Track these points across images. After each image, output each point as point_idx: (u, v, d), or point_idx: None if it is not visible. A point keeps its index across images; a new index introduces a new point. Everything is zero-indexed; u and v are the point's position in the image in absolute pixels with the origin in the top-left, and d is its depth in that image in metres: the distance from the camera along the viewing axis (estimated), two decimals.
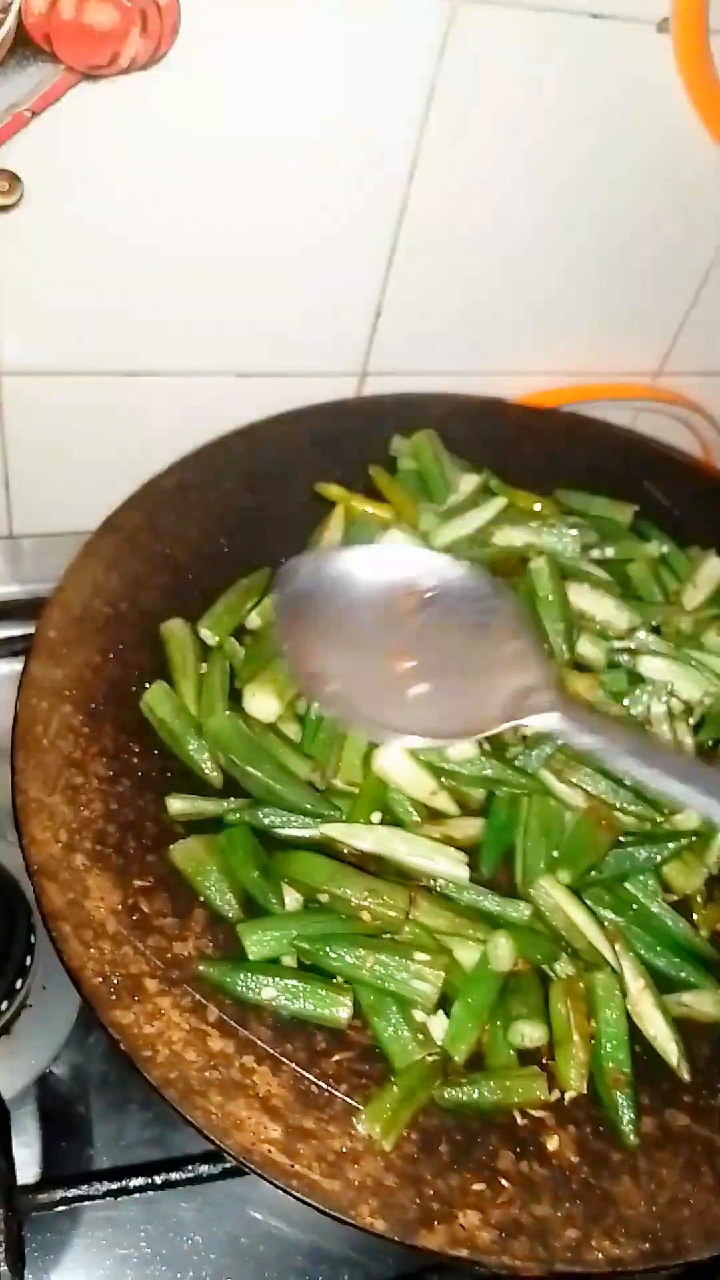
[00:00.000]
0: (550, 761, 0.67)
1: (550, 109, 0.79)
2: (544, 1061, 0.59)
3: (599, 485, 0.86)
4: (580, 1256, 0.53)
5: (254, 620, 0.75)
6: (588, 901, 0.64)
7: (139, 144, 0.72)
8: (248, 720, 0.68)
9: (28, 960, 0.72)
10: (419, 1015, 0.59)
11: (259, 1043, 0.57)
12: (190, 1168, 0.62)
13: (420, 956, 0.59)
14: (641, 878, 0.65)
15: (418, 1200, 0.53)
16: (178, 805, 0.64)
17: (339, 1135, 0.55)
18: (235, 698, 0.70)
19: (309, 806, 0.64)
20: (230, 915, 0.61)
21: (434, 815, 0.67)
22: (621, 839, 0.65)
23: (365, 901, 0.60)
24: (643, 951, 0.63)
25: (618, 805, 0.66)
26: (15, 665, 0.71)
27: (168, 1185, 0.62)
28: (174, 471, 0.82)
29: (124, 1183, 0.61)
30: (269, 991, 0.58)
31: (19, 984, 0.71)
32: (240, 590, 0.75)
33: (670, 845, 0.65)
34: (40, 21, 0.64)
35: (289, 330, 0.87)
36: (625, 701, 0.72)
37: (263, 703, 0.69)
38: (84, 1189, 0.61)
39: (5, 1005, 0.71)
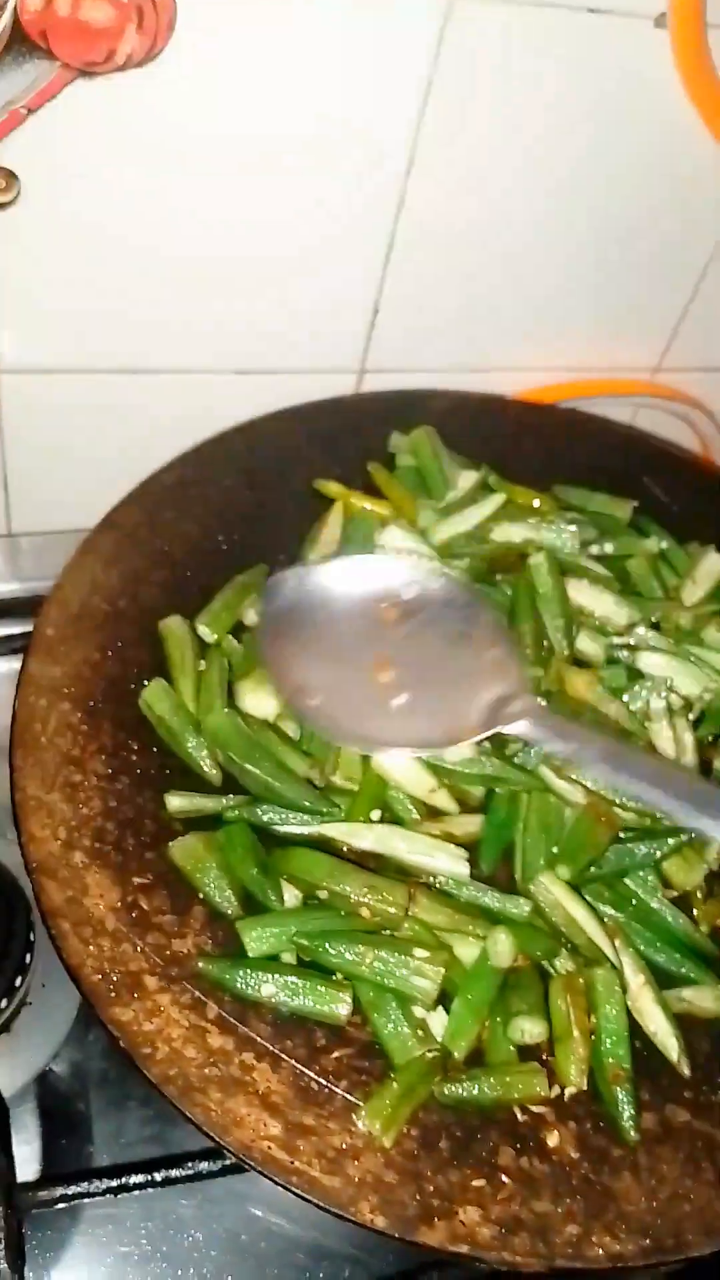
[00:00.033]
0: (549, 758, 0.67)
1: (548, 104, 0.79)
2: (544, 1057, 0.59)
3: (598, 481, 0.86)
4: (581, 1252, 0.53)
5: (251, 617, 0.74)
6: (587, 897, 0.64)
7: (136, 141, 0.72)
8: (246, 718, 0.68)
9: (27, 958, 0.72)
10: (419, 1011, 0.59)
11: (259, 1039, 0.57)
12: (190, 1165, 0.62)
13: (420, 953, 0.59)
14: (641, 873, 0.65)
15: (418, 1196, 0.53)
16: (176, 802, 0.64)
17: (339, 1132, 0.55)
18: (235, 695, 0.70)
19: (307, 804, 0.64)
20: (229, 912, 0.61)
21: (433, 813, 0.67)
22: (621, 835, 0.65)
23: (364, 898, 0.60)
24: (643, 947, 0.63)
25: (617, 801, 0.66)
26: (14, 663, 0.71)
27: (168, 1182, 0.62)
28: (173, 468, 0.82)
29: (124, 1180, 0.61)
30: (268, 988, 0.58)
31: (18, 982, 0.71)
32: (237, 587, 0.75)
33: (670, 841, 0.65)
34: (36, 18, 0.64)
35: (287, 327, 0.86)
36: (624, 697, 0.71)
37: (258, 700, 0.69)
38: (84, 1186, 0.61)
39: (5, 1003, 0.70)
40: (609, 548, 0.82)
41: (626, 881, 0.65)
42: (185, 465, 0.83)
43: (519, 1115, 0.57)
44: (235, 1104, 0.54)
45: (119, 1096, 0.72)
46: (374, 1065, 0.57)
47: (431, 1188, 0.54)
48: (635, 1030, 0.60)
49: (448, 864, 0.63)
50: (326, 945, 0.59)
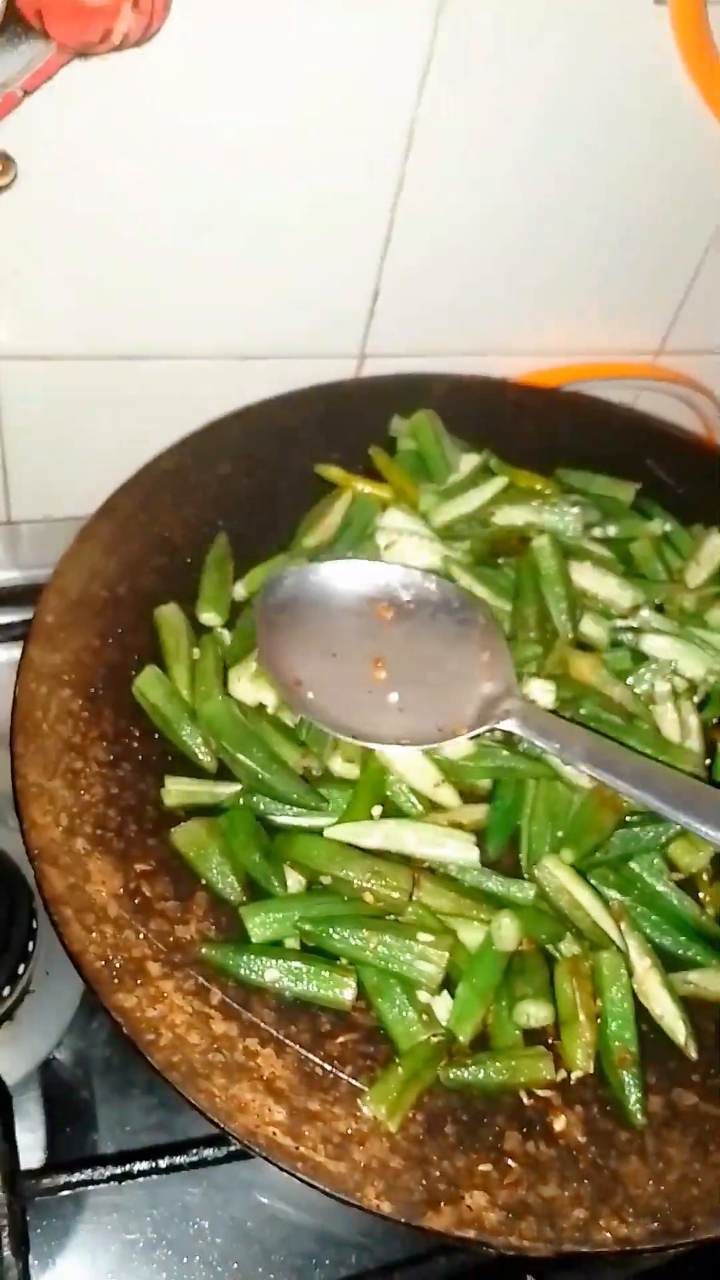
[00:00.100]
0: None
1: (548, 85, 0.78)
2: (550, 1041, 0.59)
3: (600, 464, 0.86)
4: (588, 1236, 0.53)
5: (239, 591, 0.75)
6: (593, 881, 0.63)
7: (133, 123, 0.71)
8: (242, 706, 0.67)
9: (29, 945, 0.72)
10: (423, 996, 0.59)
11: (263, 1025, 0.57)
12: (195, 1151, 0.62)
13: (424, 937, 0.59)
14: (647, 857, 0.65)
15: (424, 1182, 0.53)
16: (173, 799, 0.64)
17: (344, 1117, 0.54)
18: None
19: (295, 796, 0.64)
20: (232, 898, 0.61)
21: (435, 808, 0.66)
22: (627, 819, 0.65)
23: (368, 883, 0.60)
24: (649, 930, 0.63)
25: None
26: (14, 651, 0.71)
27: (172, 1169, 0.62)
28: (171, 454, 0.82)
29: (128, 1167, 0.61)
30: (272, 974, 0.58)
31: (21, 969, 0.71)
32: (214, 565, 0.75)
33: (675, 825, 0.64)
34: None
35: (286, 312, 0.86)
36: (629, 680, 0.71)
37: (250, 686, 0.68)
38: (88, 1174, 0.61)
39: (8, 991, 0.70)
40: (612, 530, 0.81)
41: (632, 865, 0.65)
42: (184, 451, 0.82)
43: (525, 1099, 0.57)
44: (240, 1090, 0.54)
45: (123, 1084, 0.72)
46: (379, 1050, 0.57)
47: (438, 1172, 0.54)
48: (641, 1014, 0.60)
49: (457, 851, 0.62)
50: (330, 930, 0.59)
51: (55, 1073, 0.72)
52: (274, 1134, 0.53)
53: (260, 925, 0.59)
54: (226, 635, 0.73)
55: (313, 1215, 0.68)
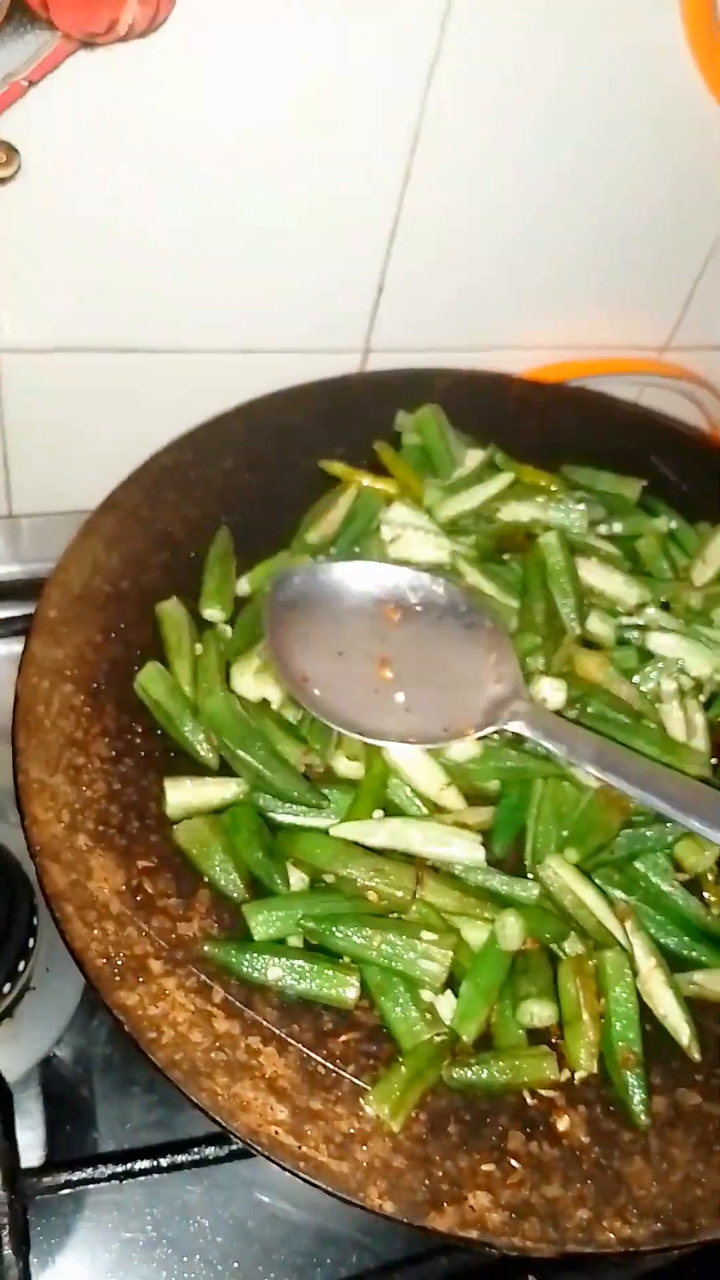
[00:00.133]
0: None
1: (555, 77, 0.78)
2: (553, 1041, 0.59)
3: (605, 460, 0.85)
4: (592, 1237, 0.52)
5: (243, 586, 0.74)
6: (597, 880, 0.63)
7: (138, 115, 0.71)
8: (244, 702, 0.67)
9: (30, 942, 0.72)
10: (427, 995, 0.58)
11: (265, 1023, 0.56)
12: (196, 1150, 0.61)
13: (428, 936, 0.58)
14: (653, 856, 0.65)
15: (427, 1181, 0.53)
16: (175, 812, 0.63)
17: (347, 1116, 0.54)
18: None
19: (296, 795, 0.64)
20: (235, 895, 0.60)
21: (440, 811, 0.66)
22: (633, 819, 0.65)
23: (371, 882, 0.60)
24: (653, 930, 0.63)
25: None
26: (16, 645, 0.70)
27: (173, 1168, 0.61)
28: (175, 449, 0.81)
29: (129, 1166, 0.61)
30: (275, 972, 0.57)
31: (21, 966, 0.71)
32: (216, 560, 0.75)
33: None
34: None
35: (291, 306, 0.85)
36: (635, 679, 0.71)
37: (252, 682, 0.68)
38: (89, 1172, 0.61)
39: (8, 988, 0.70)
40: (618, 527, 0.81)
41: (637, 865, 0.65)
42: (187, 446, 0.82)
43: (529, 1099, 0.57)
44: (242, 1088, 0.54)
45: (124, 1081, 0.71)
46: (382, 1049, 0.57)
47: (440, 1172, 0.53)
48: (646, 1014, 0.59)
49: (463, 850, 0.62)
50: (333, 929, 0.58)
51: (56, 1070, 0.72)
52: (276, 1133, 0.53)
53: (263, 923, 0.59)
54: (229, 631, 0.72)
55: (313, 1214, 0.68)
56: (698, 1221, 0.53)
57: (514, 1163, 0.54)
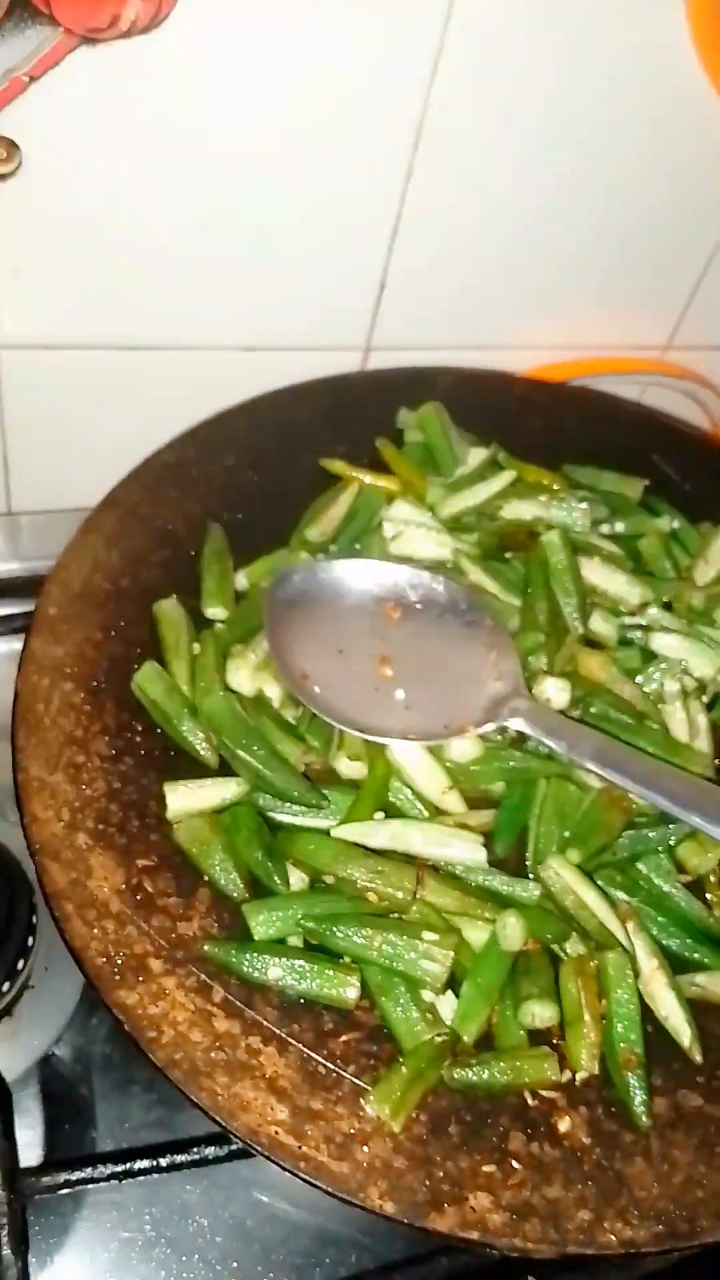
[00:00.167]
0: None
1: (558, 76, 0.78)
2: (555, 1042, 0.58)
3: (607, 459, 0.85)
4: (593, 1238, 0.52)
5: (240, 581, 0.74)
6: (599, 881, 0.63)
7: (139, 110, 0.71)
8: (243, 700, 0.67)
9: (29, 940, 0.72)
10: (427, 995, 0.58)
11: (265, 1023, 0.56)
12: (196, 1150, 0.61)
13: (429, 936, 0.58)
14: (655, 857, 0.64)
15: (427, 1182, 0.53)
16: (177, 817, 0.63)
17: (347, 1116, 0.54)
18: None
19: (295, 794, 0.63)
20: (235, 895, 0.60)
21: (441, 813, 0.65)
22: (635, 820, 0.64)
23: (371, 882, 0.60)
24: (656, 932, 0.62)
25: None
26: (15, 643, 0.70)
27: (173, 1168, 0.61)
28: (175, 446, 0.81)
29: (128, 1165, 0.61)
30: (275, 972, 0.57)
31: (21, 964, 0.71)
32: (213, 558, 0.75)
33: (684, 826, 0.64)
34: None
35: (292, 304, 0.85)
36: (638, 679, 0.70)
37: (247, 677, 0.68)
38: (88, 1172, 0.61)
39: (7, 986, 0.70)
40: (620, 527, 0.81)
41: (640, 866, 0.64)
42: (188, 444, 0.82)
43: (530, 1100, 0.56)
44: (242, 1088, 0.54)
45: (123, 1081, 0.71)
46: (382, 1049, 0.57)
47: (441, 1173, 0.53)
48: (647, 1015, 0.59)
49: (464, 851, 0.62)
50: (334, 928, 0.58)
51: (55, 1069, 0.72)
52: (276, 1133, 0.53)
53: (263, 923, 0.58)
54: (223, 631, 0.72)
55: (313, 1214, 0.67)
56: (699, 1223, 0.53)
57: (515, 1164, 0.54)
